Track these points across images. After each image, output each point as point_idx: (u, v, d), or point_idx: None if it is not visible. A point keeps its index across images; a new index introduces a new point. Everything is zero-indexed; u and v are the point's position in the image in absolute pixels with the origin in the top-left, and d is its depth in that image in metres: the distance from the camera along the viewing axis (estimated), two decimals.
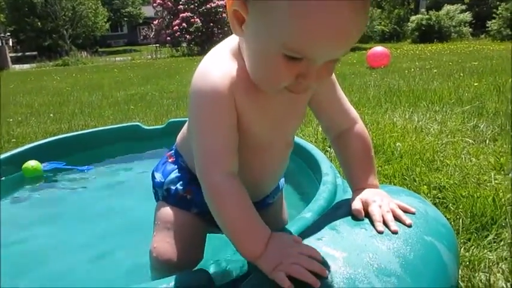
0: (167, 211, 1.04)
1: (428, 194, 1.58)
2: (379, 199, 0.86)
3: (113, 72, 11.84)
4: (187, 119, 1.85)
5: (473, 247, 1.24)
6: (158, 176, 1.09)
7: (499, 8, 16.92)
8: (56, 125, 3.65)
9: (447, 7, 20.25)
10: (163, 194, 1.07)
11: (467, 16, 20.02)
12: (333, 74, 0.98)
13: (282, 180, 1.22)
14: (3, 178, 1.73)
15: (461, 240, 1.28)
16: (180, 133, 1.11)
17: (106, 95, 6.23)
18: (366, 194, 0.88)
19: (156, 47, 22.47)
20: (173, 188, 1.05)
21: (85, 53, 24.24)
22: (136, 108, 4.43)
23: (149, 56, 21.68)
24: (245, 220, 0.77)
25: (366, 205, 0.85)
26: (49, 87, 8.46)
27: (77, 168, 1.83)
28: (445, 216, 1.42)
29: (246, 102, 0.81)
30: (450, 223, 1.39)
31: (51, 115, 4.35)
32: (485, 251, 1.23)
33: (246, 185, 0.85)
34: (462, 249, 1.24)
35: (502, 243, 1.26)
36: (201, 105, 0.80)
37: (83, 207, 1.58)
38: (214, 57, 0.84)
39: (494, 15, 17.37)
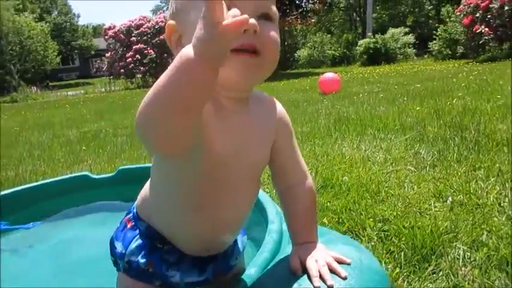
0: (128, 285, 1.02)
1: (374, 228, 1.65)
2: (316, 254, 0.90)
3: (64, 108, 11.52)
4: (137, 166, 1.83)
5: (415, 280, 1.31)
6: (119, 246, 1.03)
7: (438, 30, 18.14)
8: (1, 172, 3.50)
9: (392, 30, 21.44)
10: (124, 266, 1.02)
11: (411, 38, 21.25)
12: (291, 127, 1.02)
13: (244, 239, 1.20)
14: None
15: (405, 274, 1.34)
16: (140, 195, 1.07)
17: (57, 134, 6.04)
18: (304, 250, 0.92)
19: (110, 79, 22.14)
20: (134, 260, 1.00)
21: (35, 88, 23.43)
22: (88, 148, 4.33)
23: (103, 89, 21.33)
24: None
25: (303, 261, 0.89)
26: None
27: (21, 227, 1.76)
28: (389, 250, 1.49)
29: (211, 115, 0.82)
30: (394, 256, 1.46)
31: None
32: (426, 282, 1.29)
33: (208, 230, 0.93)
34: (405, 282, 1.30)
35: (440, 273, 1.33)
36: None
37: (27, 270, 1.51)
38: None
39: (434, 36, 18.57)
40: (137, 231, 1.04)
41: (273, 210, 1.34)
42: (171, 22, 0.88)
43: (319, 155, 2.78)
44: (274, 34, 0.83)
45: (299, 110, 5.42)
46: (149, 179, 1.03)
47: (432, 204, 1.80)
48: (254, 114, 0.93)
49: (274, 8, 0.83)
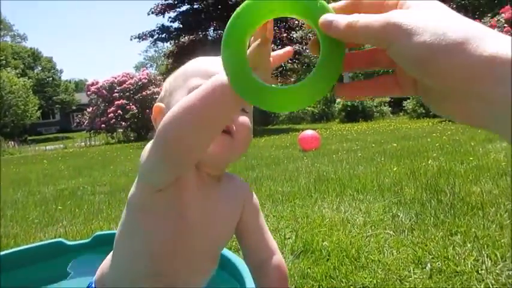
0: None
1: None
2: None
3: (42, 164, 11.32)
4: (113, 232, 1.81)
5: None
6: None
7: None
8: None
9: None
10: None
11: (386, 97, 22.11)
12: (258, 205, 1.09)
13: None
14: None
15: None
16: (99, 269, 1.09)
17: (33, 191, 5.90)
18: None
19: (90, 133, 22.06)
20: None
21: (12, 142, 23.09)
22: (64, 208, 4.23)
23: (83, 143, 21.19)
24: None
25: None
26: None
27: None
28: None
29: (187, 181, 0.88)
30: None
31: None
32: None
33: None
34: None
35: None
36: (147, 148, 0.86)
37: None
38: None
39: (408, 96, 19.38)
40: None
41: (251, 280, 1.32)
42: (160, 104, 0.95)
43: (300, 217, 2.79)
44: (247, 122, 0.93)
45: (280, 168, 5.48)
46: (111, 252, 1.03)
47: (412, 271, 1.80)
48: (224, 191, 1.00)
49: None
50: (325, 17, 0.48)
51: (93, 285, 1.07)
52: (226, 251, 1.57)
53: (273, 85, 0.54)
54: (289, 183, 4.15)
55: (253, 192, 1.11)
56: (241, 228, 1.07)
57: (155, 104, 0.97)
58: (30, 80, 36.56)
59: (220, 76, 0.61)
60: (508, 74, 0.34)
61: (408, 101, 19.37)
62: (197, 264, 0.97)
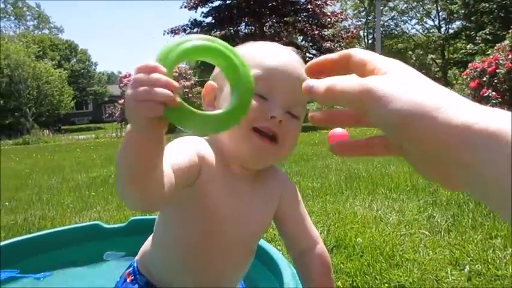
0: None
1: None
2: None
3: (75, 152, 11.66)
4: (149, 217, 1.83)
5: None
6: None
7: None
8: (10, 215, 3.49)
9: None
10: None
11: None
12: (298, 193, 1.07)
13: (242, 285, 1.21)
14: None
15: None
16: (141, 249, 1.10)
17: (66, 178, 6.08)
18: None
19: (121, 125, 22.54)
20: None
21: (47, 131, 23.90)
22: (97, 194, 4.33)
23: (114, 134, 21.65)
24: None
25: None
26: (6, 168, 8.18)
27: (32, 276, 1.73)
28: None
29: (211, 175, 0.89)
30: None
31: (6, 203, 4.17)
32: None
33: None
34: None
35: None
36: (176, 141, 0.89)
37: None
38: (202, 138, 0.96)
39: None
40: (136, 285, 1.05)
41: (289, 272, 1.31)
42: (211, 83, 0.95)
43: (331, 213, 2.75)
44: (294, 129, 0.91)
45: (309, 164, 5.44)
46: (152, 234, 1.05)
47: (449, 272, 1.75)
48: (259, 183, 0.98)
49: (301, 109, 0.91)
50: (306, 83, 0.49)
51: (135, 264, 1.09)
52: (264, 243, 1.57)
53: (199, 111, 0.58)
54: (319, 179, 4.11)
55: (291, 182, 1.09)
56: (280, 218, 1.05)
57: (208, 81, 0.97)
58: (66, 71, 37.65)
59: (128, 126, 0.61)
60: (481, 142, 0.34)
61: None
62: (231, 256, 0.97)
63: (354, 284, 1.70)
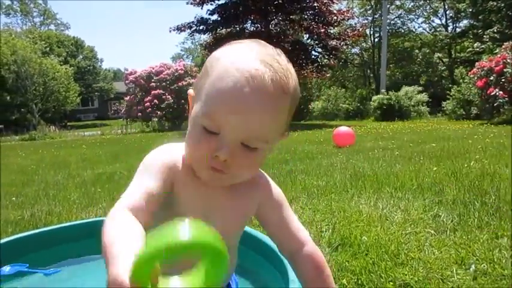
0: None
1: None
2: None
3: (81, 149, 11.72)
4: None
5: None
6: None
7: (452, 90, 18.31)
8: (17, 211, 3.52)
9: (405, 88, 21.78)
10: None
11: (424, 97, 21.49)
12: (283, 196, 1.07)
13: (235, 280, 1.23)
14: None
15: None
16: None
17: (72, 174, 6.11)
18: None
19: (127, 121, 22.66)
20: None
21: (53, 127, 24.05)
22: (103, 190, 4.36)
23: (119, 131, 21.76)
24: (114, 244, 0.71)
25: None
26: (13, 164, 8.24)
27: (42, 271, 1.74)
28: None
29: (184, 184, 0.92)
30: None
31: (13, 198, 4.21)
32: None
33: None
34: None
35: None
36: (143, 162, 0.95)
37: None
38: (171, 145, 1.01)
39: (448, 96, 18.73)
40: None
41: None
42: (190, 91, 0.97)
43: (336, 211, 2.75)
44: (251, 159, 0.87)
45: (314, 162, 5.43)
46: None
47: (454, 272, 1.75)
48: (232, 189, 0.97)
49: (260, 142, 0.86)
50: None
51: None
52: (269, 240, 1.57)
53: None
54: (324, 177, 4.10)
55: (274, 188, 1.08)
56: (264, 223, 1.08)
57: (189, 89, 0.98)
58: (72, 67, 37.81)
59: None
60: None
61: (448, 101, 18.77)
62: None
63: (359, 282, 1.70)
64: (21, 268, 1.73)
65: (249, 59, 0.82)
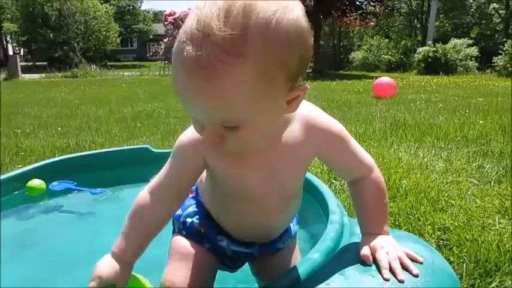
0: (181, 243, 1.07)
1: (433, 235, 1.59)
2: (387, 246, 0.87)
3: (120, 87, 11.98)
4: None
5: None
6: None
7: (506, 45, 17.08)
8: (63, 139, 3.69)
9: (454, 40, 20.51)
10: (179, 226, 1.11)
11: (474, 51, 20.23)
12: (342, 131, 0.98)
13: (295, 226, 1.22)
14: (12, 194, 1.74)
15: (465, 286, 1.28)
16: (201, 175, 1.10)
17: (113, 110, 6.29)
18: (375, 240, 0.89)
19: (165, 63, 22.75)
20: (189, 221, 1.09)
21: (94, 66, 24.54)
22: (143, 126, 4.48)
23: (157, 73, 21.94)
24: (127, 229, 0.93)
25: (373, 251, 0.87)
26: (57, 99, 8.56)
27: (89, 190, 1.83)
28: (449, 260, 1.43)
29: (217, 158, 0.90)
30: (453, 267, 1.39)
31: (59, 128, 4.40)
32: None
33: (245, 228, 1.06)
34: None
35: None
36: (171, 153, 0.96)
37: (90, 235, 1.58)
38: None
39: (500, 51, 17.52)
40: (195, 200, 1.13)
41: (334, 202, 1.32)
42: None
43: (374, 157, 2.70)
44: (240, 138, 0.77)
45: (352, 111, 5.32)
46: None
47: (497, 220, 1.70)
48: (282, 144, 0.90)
49: (232, 121, 0.74)
50: None
51: (197, 188, 1.14)
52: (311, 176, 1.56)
53: None
54: (363, 125, 4.02)
55: (332, 125, 0.95)
56: (328, 161, 1.04)
57: None
58: (112, 7, 37.77)
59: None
60: None
61: (500, 56, 17.59)
62: (266, 204, 0.98)
63: (397, 222, 1.69)
64: (69, 185, 1.83)
65: (186, 27, 0.73)
